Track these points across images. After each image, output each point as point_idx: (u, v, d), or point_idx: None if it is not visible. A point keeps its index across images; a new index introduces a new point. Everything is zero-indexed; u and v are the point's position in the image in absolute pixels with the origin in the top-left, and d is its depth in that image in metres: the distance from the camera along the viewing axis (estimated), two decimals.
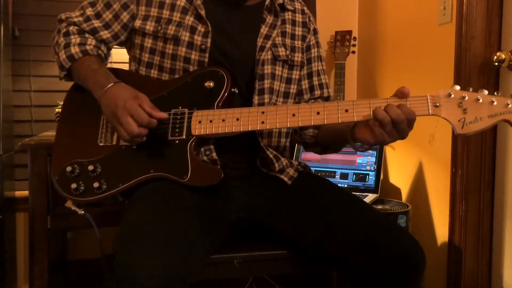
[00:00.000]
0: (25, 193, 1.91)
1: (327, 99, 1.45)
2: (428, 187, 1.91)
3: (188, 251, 1.02)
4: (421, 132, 1.89)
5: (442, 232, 1.81)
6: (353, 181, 2.05)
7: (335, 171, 2.08)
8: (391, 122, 1.05)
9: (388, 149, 2.20)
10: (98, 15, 1.31)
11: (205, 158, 1.18)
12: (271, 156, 1.29)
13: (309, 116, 1.12)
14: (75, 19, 1.31)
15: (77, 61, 1.26)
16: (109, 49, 1.36)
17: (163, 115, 1.16)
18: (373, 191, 2.00)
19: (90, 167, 1.20)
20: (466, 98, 1.05)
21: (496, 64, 1.57)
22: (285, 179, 1.31)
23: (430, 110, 1.07)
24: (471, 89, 1.07)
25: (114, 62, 2.04)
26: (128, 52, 1.38)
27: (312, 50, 1.43)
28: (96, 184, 1.19)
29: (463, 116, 1.05)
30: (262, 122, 1.14)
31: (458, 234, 1.71)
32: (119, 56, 1.94)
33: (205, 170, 1.16)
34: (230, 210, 1.26)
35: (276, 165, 1.29)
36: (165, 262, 0.94)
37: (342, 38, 2.29)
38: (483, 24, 1.64)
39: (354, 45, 2.32)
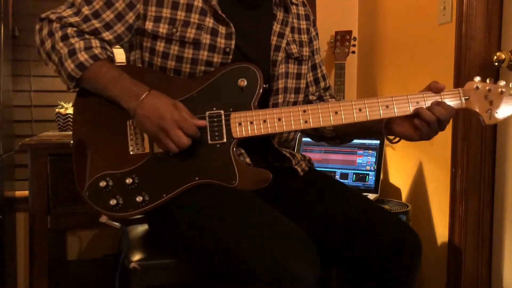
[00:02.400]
0: (25, 193, 1.91)
1: (328, 89, 1.46)
2: (428, 187, 1.91)
3: (293, 237, 1.02)
4: None
5: (442, 232, 1.81)
6: (353, 181, 2.05)
7: (335, 171, 2.08)
8: (437, 121, 1.11)
9: (388, 149, 2.20)
10: (96, 14, 1.18)
11: None
12: (287, 154, 1.29)
13: (352, 113, 1.14)
14: (71, 20, 1.17)
15: (88, 69, 1.14)
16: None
17: (203, 123, 1.12)
18: (373, 191, 1.99)
19: (128, 180, 1.12)
20: (492, 90, 1.14)
21: (496, 64, 1.57)
22: (299, 169, 1.31)
23: (463, 104, 1.15)
24: (488, 81, 1.15)
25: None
26: (127, 53, 1.29)
27: (314, 42, 1.42)
28: (139, 198, 1.12)
29: (490, 107, 1.14)
30: (305, 122, 1.14)
31: (458, 234, 1.71)
32: (119, 56, 1.94)
33: (252, 173, 1.14)
34: None
35: (293, 161, 1.30)
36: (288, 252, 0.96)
37: (342, 38, 2.29)
38: (483, 24, 1.64)
39: (354, 45, 2.31)
